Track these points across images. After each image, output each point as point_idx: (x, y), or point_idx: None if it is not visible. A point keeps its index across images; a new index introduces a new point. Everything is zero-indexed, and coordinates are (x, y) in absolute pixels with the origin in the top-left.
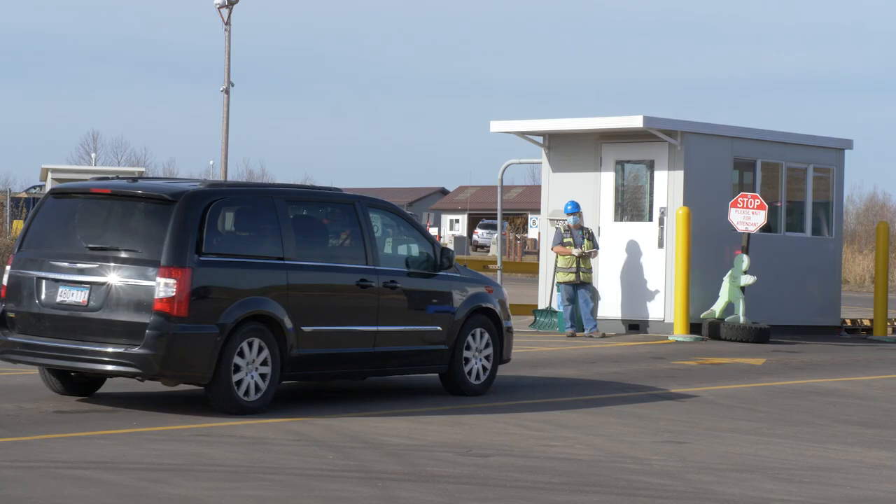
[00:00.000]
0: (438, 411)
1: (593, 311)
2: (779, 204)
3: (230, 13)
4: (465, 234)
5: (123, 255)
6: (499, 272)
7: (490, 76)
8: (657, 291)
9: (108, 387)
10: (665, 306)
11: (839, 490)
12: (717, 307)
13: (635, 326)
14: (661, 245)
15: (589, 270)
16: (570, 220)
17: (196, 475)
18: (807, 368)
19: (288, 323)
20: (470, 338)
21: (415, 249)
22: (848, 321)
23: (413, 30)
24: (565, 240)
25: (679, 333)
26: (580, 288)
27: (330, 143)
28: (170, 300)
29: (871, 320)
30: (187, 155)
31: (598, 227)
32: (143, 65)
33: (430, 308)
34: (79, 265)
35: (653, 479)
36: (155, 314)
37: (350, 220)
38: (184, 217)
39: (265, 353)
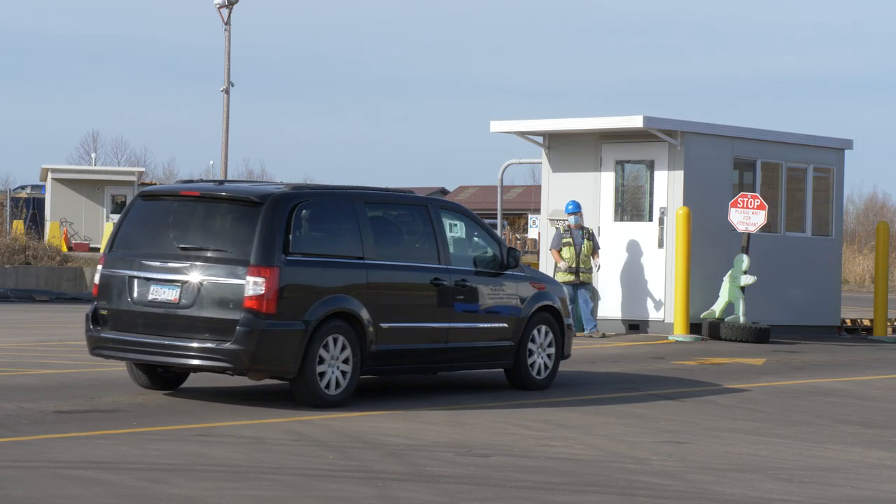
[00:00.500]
0: (438, 411)
1: (593, 311)
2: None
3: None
4: None
5: (213, 254)
6: None
7: (490, 76)
8: (657, 291)
9: (111, 387)
10: (665, 306)
11: (839, 490)
12: (717, 307)
13: (635, 326)
14: (661, 245)
15: (589, 270)
16: (571, 219)
17: (196, 475)
18: (807, 368)
19: (368, 320)
20: (534, 334)
21: (482, 249)
22: (848, 321)
23: (413, 30)
24: (564, 240)
25: (679, 333)
26: (580, 288)
27: (330, 143)
28: (259, 298)
29: (871, 320)
30: (187, 155)
31: (598, 227)
32: (143, 65)
33: (497, 306)
34: (170, 264)
35: (653, 479)
36: (245, 311)
37: (423, 221)
38: (271, 218)
39: (347, 348)
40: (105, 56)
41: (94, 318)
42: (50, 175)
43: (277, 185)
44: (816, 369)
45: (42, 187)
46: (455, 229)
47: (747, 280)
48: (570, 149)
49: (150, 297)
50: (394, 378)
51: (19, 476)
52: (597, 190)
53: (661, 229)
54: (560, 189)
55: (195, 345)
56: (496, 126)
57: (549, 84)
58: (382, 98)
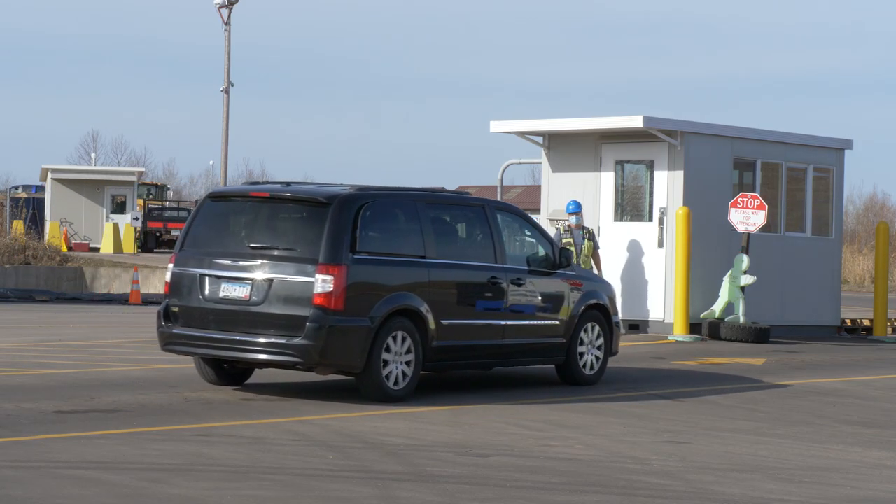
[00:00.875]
0: (438, 411)
1: None
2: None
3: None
4: None
5: (282, 253)
6: None
7: (490, 76)
8: (657, 291)
9: (111, 387)
10: (665, 306)
11: (839, 490)
12: (717, 307)
13: (635, 326)
14: (661, 245)
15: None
16: (572, 219)
17: (196, 475)
18: (807, 368)
19: (430, 317)
20: (584, 331)
21: (536, 249)
22: (848, 321)
23: (413, 30)
24: (565, 240)
25: (679, 333)
26: None
27: (330, 143)
28: (328, 295)
29: (871, 320)
30: (187, 155)
31: (598, 227)
32: (143, 65)
33: (549, 304)
34: (241, 263)
35: (653, 479)
36: (314, 308)
37: (480, 221)
38: (339, 218)
39: (410, 344)
40: (105, 56)
41: (166, 315)
42: (50, 175)
43: (343, 186)
44: (816, 369)
45: (34, 187)
46: (509, 229)
47: (747, 280)
48: (570, 149)
49: (221, 294)
50: (449, 374)
51: (19, 476)
52: (597, 190)
53: (661, 229)
54: (560, 189)
55: (265, 340)
56: (496, 126)
57: (549, 84)
58: (382, 98)
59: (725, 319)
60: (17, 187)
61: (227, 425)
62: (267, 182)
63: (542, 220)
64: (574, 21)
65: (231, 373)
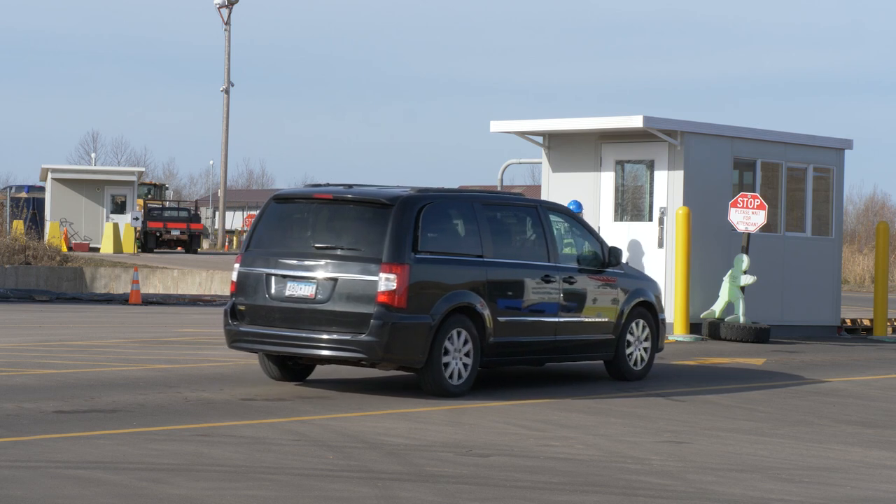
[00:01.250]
0: (438, 411)
1: None
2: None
3: (230, 13)
4: None
5: (347, 253)
6: None
7: (490, 76)
8: None
9: (111, 387)
10: (665, 306)
11: (839, 490)
12: (717, 307)
13: None
14: (661, 245)
15: None
16: None
17: (196, 475)
18: (807, 368)
19: (487, 314)
20: (632, 327)
21: (586, 248)
22: (848, 321)
23: (413, 30)
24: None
25: (679, 333)
26: None
27: (330, 143)
28: (391, 293)
29: (871, 320)
30: (187, 155)
31: (598, 227)
32: (143, 65)
33: (599, 301)
34: (306, 262)
35: (653, 479)
36: (378, 306)
37: (533, 221)
38: (401, 219)
39: (468, 341)
40: (105, 56)
41: (233, 314)
42: (50, 175)
43: (403, 188)
44: (816, 369)
45: (26, 187)
46: (561, 229)
47: (747, 280)
48: (569, 149)
49: (287, 293)
50: (504, 369)
51: (19, 476)
52: (597, 190)
53: (661, 229)
54: (560, 189)
55: (331, 337)
56: (496, 126)
57: (549, 84)
58: (382, 98)
59: (725, 319)
60: (10, 188)
61: (227, 425)
62: (328, 184)
63: None
64: (574, 21)
65: (295, 369)
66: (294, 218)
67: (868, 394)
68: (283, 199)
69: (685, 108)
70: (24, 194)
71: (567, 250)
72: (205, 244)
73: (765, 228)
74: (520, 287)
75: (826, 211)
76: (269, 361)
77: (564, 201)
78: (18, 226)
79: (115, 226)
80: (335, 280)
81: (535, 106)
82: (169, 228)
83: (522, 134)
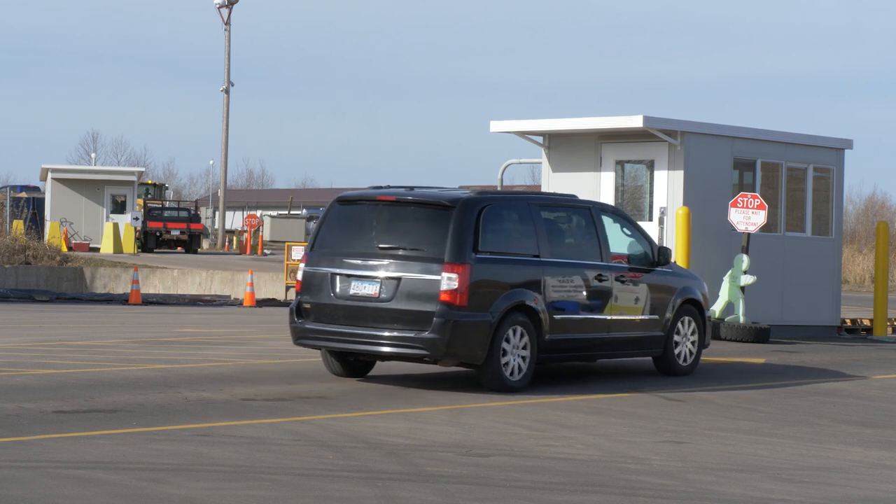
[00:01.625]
0: (438, 411)
1: None
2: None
3: (230, 13)
4: None
5: (409, 253)
6: None
7: (490, 76)
8: None
9: (111, 387)
10: None
11: (839, 490)
12: (717, 307)
13: None
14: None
15: None
16: None
17: (196, 475)
18: (807, 368)
19: (544, 312)
20: (679, 325)
21: (637, 248)
22: (848, 321)
23: (413, 30)
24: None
25: None
26: None
27: (330, 143)
28: (453, 292)
29: (871, 320)
30: (187, 155)
31: None
32: (143, 65)
33: (649, 299)
34: (370, 262)
35: (653, 479)
36: (440, 304)
37: (587, 222)
38: (461, 220)
39: (526, 338)
40: (105, 56)
41: (298, 311)
42: (50, 175)
43: (463, 190)
44: (816, 369)
45: (18, 187)
46: (612, 229)
47: (747, 280)
48: (570, 149)
49: (352, 291)
50: (558, 365)
51: (19, 476)
52: (597, 190)
53: (661, 229)
54: (560, 189)
55: (394, 334)
56: (496, 126)
57: (549, 84)
58: (383, 98)
59: (725, 319)
60: (3, 188)
61: (227, 425)
62: (390, 187)
63: None
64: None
65: (356, 365)
66: (357, 219)
67: (868, 394)
68: (346, 201)
69: (685, 108)
70: (23, 194)
71: (619, 249)
72: (205, 244)
73: (765, 228)
74: (574, 286)
75: (826, 211)
76: (331, 357)
77: None
78: (18, 226)
79: (115, 226)
80: (398, 279)
81: (535, 106)
82: (169, 228)
83: (522, 134)
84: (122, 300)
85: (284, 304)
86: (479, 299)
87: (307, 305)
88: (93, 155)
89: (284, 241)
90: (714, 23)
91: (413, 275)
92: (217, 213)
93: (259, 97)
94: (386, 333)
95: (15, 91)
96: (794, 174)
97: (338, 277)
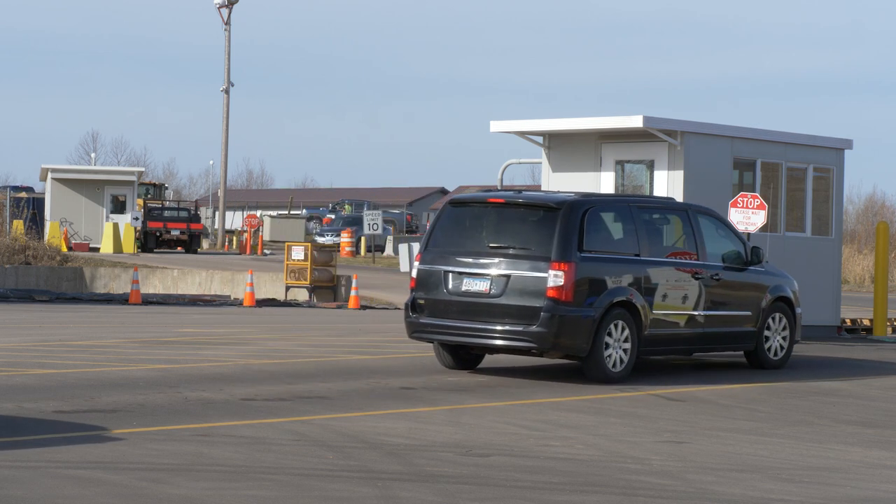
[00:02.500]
0: (438, 411)
1: None
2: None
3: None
4: None
5: (518, 252)
6: None
7: (490, 76)
8: None
9: (111, 387)
10: None
11: (839, 490)
12: None
13: None
14: None
15: None
16: None
17: (196, 475)
18: (807, 368)
19: (644, 308)
20: (771, 321)
21: (730, 247)
22: (848, 321)
23: (413, 30)
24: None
25: None
26: None
27: (330, 143)
28: (559, 288)
29: (871, 320)
30: (187, 155)
31: None
32: (143, 65)
33: (743, 297)
34: (481, 260)
35: (653, 479)
36: (547, 300)
37: (684, 223)
38: (567, 221)
39: (626, 332)
40: (105, 56)
41: (413, 307)
42: (50, 175)
43: (568, 193)
44: (816, 369)
45: (9, 188)
46: (709, 230)
47: None
48: (569, 149)
49: (464, 288)
50: (652, 359)
51: (19, 476)
52: (597, 190)
53: None
54: (560, 189)
55: (504, 328)
56: (496, 126)
57: (549, 84)
58: (382, 98)
59: None
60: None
61: (227, 425)
62: (498, 189)
63: None
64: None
65: (466, 358)
66: (469, 220)
67: (868, 394)
68: (458, 204)
69: (685, 108)
70: (24, 194)
71: (713, 249)
72: (205, 244)
73: (765, 228)
74: (672, 283)
75: (826, 211)
76: (443, 351)
77: None
78: (18, 226)
79: (115, 226)
80: (508, 276)
81: (535, 106)
82: (169, 228)
83: (522, 134)
84: (122, 300)
85: (284, 304)
86: (583, 295)
87: (421, 301)
88: (93, 155)
89: (284, 241)
90: (714, 23)
91: (522, 272)
92: (217, 213)
93: (259, 97)
94: (496, 327)
95: (15, 91)
96: (794, 174)
97: (450, 275)
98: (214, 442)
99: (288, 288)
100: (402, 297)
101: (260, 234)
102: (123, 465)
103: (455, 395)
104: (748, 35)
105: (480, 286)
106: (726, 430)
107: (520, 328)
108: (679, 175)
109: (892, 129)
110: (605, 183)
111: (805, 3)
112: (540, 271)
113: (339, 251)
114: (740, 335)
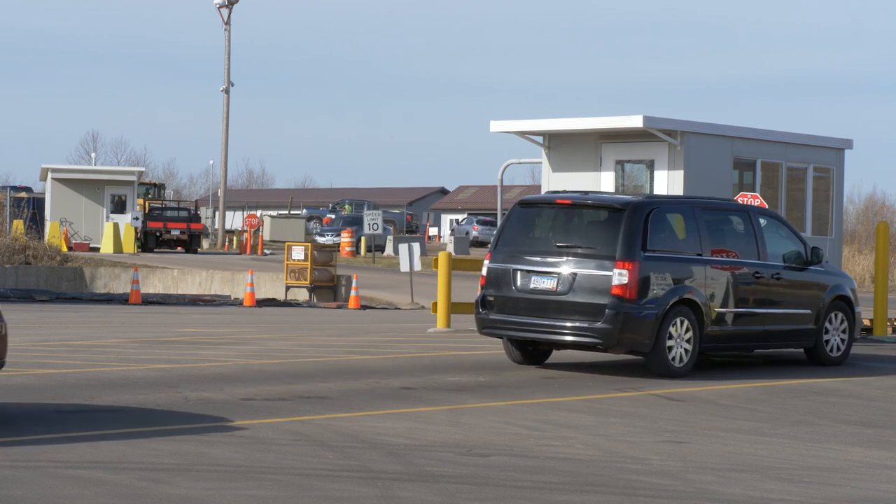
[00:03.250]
0: (438, 411)
1: None
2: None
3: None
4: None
5: (584, 251)
6: None
7: (490, 76)
8: None
9: (111, 387)
10: None
11: (839, 490)
12: None
13: None
14: None
15: None
16: None
17: (196, 475)
18: (807, 368)
19: (705, 306)
20: (830, 319)
21: (791, 248)
22: None
23: (413, 30)
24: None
25: None
26: None
27: (330, 143)
28: (623, 286)
29: (871, 320)
30: (187, 155)
31: None
32: (143, 65)
33: (803, 295)
34: (549, 259)
35: (653, 479)
36: (612, 297)
37: (745, 224)
38: (632, 221)
39: (689, 329)
40: (105, 56)
41: (483, 304)
42: (50, 175)
43: (633, 195)
44: (816, 369)
45: (9, 188)
46: (770, 231)
47: None
48: (569, 148)
49: (532, 285)
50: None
51: (19, 476)
52: (597, 189)
53: None
54: (560, 189)
55: (570, 324)
56: (496, 126)
57: (549, 84)
58: (383, 98)
59: None
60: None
61: (227, 425)
62: (566, 191)
63: None
64: (574, 21)
65: (534, 353)
66: (537, 220)
67: (868, 394)
68: (527, 204)
69: (685, 108)
70: (23, 194)
71: (774, 249)
72: (205, 244)
73: None
74: (734, 282)
75: (826, 211)
76: (512, 346)
77: None
78: (18, 226)
79: (115, 225)
80: (574, 275)
81: (535, 106)
82: (169, 228)
83: (522, 134)
84: (122, 300)
85: (284, 304)
86: (647, 293)
87: (491, 298)
88: (93, 155)
89: (284, 241)
90: (714, 23)
91: (587, 271)
92: (217, 213)
93: (259, 97)
94: (563, 324)
95: (15, 91)
96: (794, 174)
97: (519, 273)
98: (214, 442)
99: (288, 288)
100: (402, 297)
101: (260, 234)
102: (123, 465)
103: (455, 395)
104: (748, 35)
105: (548, 284)
106: (726, 430)
107: (585, 325)
108: (679, 175)
109: (892, 129)
110: (604, 183)
111: (805, 3)
112: (605, 270)
113: (339, 251)
114: (800, 333)
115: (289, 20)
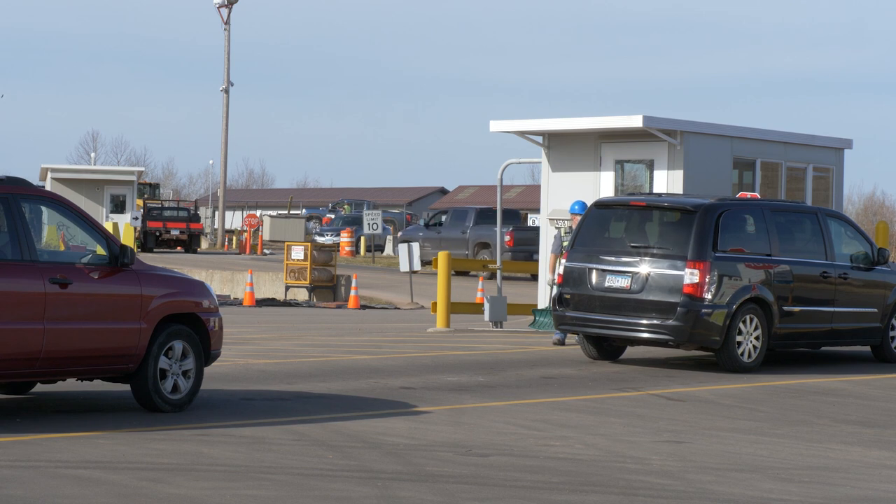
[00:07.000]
0: (438, 411)
1: None
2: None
3: (230, 13)
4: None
5: (657, 251)
6: (498, 271)
7: (490, 76)
8: None
9: (111, 387)
10: None
11: (839, 490)
12: None
13: None
14: None
15: None
16: (579, 220)
17: (196, 475)
18: (807, 368)
19: (774, 305)
20: (895, 318)
21: (857, 248)
22: None
23: (413, 30)
24: (564, 243)
25: None
26: None
27: (330, 143)
28: (695, 285)
29: None
30: (187, 155)
31: None
32: (143, 65)
33: (869, 294)
34: (623, 259)
35: (653, 479)
36: (684, 296)
37: (813, 225)
38: (703, 223)
39: (758, 327)
40: (105, 56)
41: (560, 301)
42: (50, 175)
43: (705, 197)
44: (816, 369)
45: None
46: (838, 232)
47: None
48: (569, 148)
49: (607, 284)
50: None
51: (19, 476)
52: (596, 189)
53: None
54: (560, 189)
55: (643, 322)
56: (496, 126)
57: (549, 84)
58: (382, 98)
59: None
60: None
61: (227, 425)
62: (639, 194)
63: (541, 219)
64: (574, 21)
65: (608, 350)
66: (612, 221)
67: (868, 394)
68: (602, 206)
69: (685, 108)
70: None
71: (841, 250)
72: (204, 244)
73: None
74: (802, 282)
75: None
76: (588, 343)
77: (565, 201)
78: None
79: (115, 225)
80: (648, 274)
81: (536, 106)
82: (168, 228)
83: (522, 133)
84: None
85: (284, 303)
86: (717, 292)
87: (568, 296)
88: (92, 155)
89: (284, 241)
90: (714, 23)
91: (660, 270)
92: (217, 213)
93: (259, 97)
94: (636, 321)
95: (15, 91)
96: (794, 174)
97: (594, 272)
98: (214, 442)
99: (288, 288)
100: (401, 297)
101: (260, 233)
102: (123, 465)
103: (455, 395)
104: (748, 35)
105: (622, 282)
106: (726, 430)
107: (658, 322)
108: (679, 175)
109: (892, 129)
110: (604, 183)
111: (805, 3)
112: (677, 269)
113: (338, 251)
114: (866, 331)
115: (289, 20)
